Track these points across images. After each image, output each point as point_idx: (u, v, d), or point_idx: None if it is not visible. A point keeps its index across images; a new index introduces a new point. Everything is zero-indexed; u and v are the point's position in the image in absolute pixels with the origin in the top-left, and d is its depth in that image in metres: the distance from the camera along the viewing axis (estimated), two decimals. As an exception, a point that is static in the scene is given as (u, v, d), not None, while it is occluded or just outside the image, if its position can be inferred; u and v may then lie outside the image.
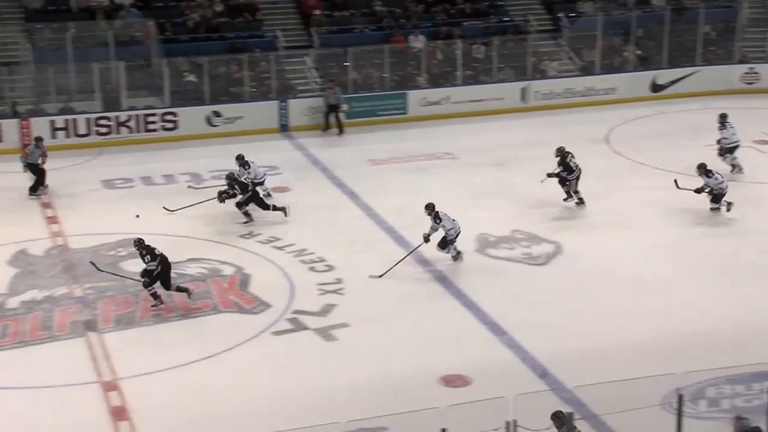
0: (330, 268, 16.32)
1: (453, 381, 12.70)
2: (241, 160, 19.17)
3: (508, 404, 9.62)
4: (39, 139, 21.24)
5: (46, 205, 19.49)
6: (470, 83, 27.24)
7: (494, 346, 13.73)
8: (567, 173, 18.68)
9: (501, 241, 17.38)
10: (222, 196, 18.50)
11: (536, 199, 19.08)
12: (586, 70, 28.50)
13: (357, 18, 28.83)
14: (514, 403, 9.61)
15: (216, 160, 22.38)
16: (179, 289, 15.12)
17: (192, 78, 25.64)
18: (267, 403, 12.24)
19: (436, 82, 27.05)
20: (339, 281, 15.83)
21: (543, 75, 28.01)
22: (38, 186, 20.25)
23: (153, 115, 24.50)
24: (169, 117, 24.52)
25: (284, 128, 25.18)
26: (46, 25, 26.12)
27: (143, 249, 14.81)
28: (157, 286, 14.86)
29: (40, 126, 23.37)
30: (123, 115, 24.26)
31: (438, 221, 16.08)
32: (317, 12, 28.38)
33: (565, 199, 18.87)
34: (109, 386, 12.64)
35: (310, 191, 20.32)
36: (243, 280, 15.91)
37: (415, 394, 12.18)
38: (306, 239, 17.45)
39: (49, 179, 20.77)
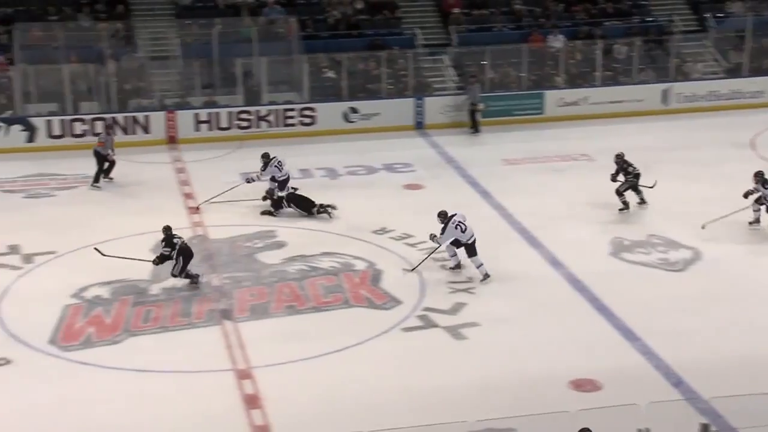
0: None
1: (583, 385, 12.52)
2: (266, 158, 19.04)
3: (641, 412, 9.43)
4: (110, 127, 21.97)
5: (188, 196, 20.10)
6: (609, 84, 26.76)
7: (627, 352, 13.47)
8: (629, 175, 18.51)
9: (636, 246, 17.03)
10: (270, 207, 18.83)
11: (674, 204, 18.62)
12: (733, 73, 27.62)
13: (496, 17, 28.70)
14: (647, 411, 9.41)
15: (351, 156, 22.68)
16: (188, 276, 15.52)
17: (331, 74, 26.03)
18: (395, 399, 12.32)
19: (574, 82, 26.70)
20: (470, 280, 15.81)
21: (686, 77, 27.29)
22: (100, 176, 20.55)
23: (292, 110, 24.98)
24: (307, 112, 24.94)
25: (420, 126, 25.29)
26: (194, 21, 26.98)
27: (165, 236, 15.46)
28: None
29: (184, 119, 24.17)
30: (263, 110, 24.81)
31: (442, 232, 15.82)
32: (456, 10, 28.37)
33: (621, 210, 18.50)
34: (243, 374, 12.95)
35: (443, 189, 20.34)
36: (375, 276, 16.05)
37: (545, 397, 12.07)
38: (438, 237, 17.51)
39: (192, 170, 21.47)
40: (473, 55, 26.66)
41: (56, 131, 23.53)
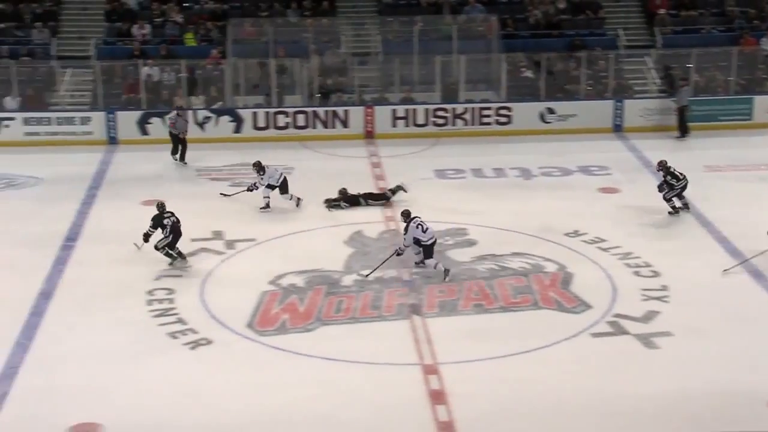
0: (655, 274, 15.89)
1: (781, 406, 11.97)
2: (257, 166, 19.08)
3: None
4: (181, 108, 22.62)
5: (382, 190, 20.45)
6: (826, 91, 25.42)
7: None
8: (675, 181, 18.27)
9: None
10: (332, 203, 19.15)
11: None
12: None
13: (705, 18, 27.77)
14: None
15: (546, 157, 22.47)
16: (168, 255, 16.11)
17: (529, 74, 25.88)
18: (580, 404, 12.16)
19: (787, 87, 25.50)
20: (664, 288, 15.38)
21: None
22: (177, 152, 22.18)
23: (488, 108, 24.99)
24: (503, 111, 24.90)
25: (618, 128, 24.78)
26: (395, 18, 27.44)
27: (157, 213, 16.24)
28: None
29: (382, 114, 24.63)
30: (460, 108, 24.95)
31: (404, 233, 15.87)
32: (662, 11, 27.62)
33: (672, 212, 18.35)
34: (430, 370, 13.09)
35: (639, 194, 19.85)
36: (565, 279, 15.87)
37: (738, 416, 11.61)
38: (632, 243, 17.11)
39: (387, 165, 21.86)
40: (678, 57, 25.87)
41: (261, 123, 24.48)
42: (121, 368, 13.04)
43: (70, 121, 23.87)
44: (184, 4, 27.95)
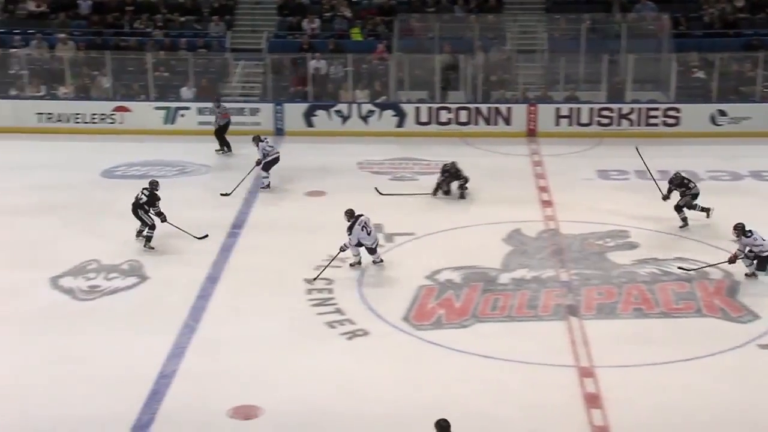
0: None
1: None
2: (256, 140, 20.26)
3: None
4: (218, 100, 22.96)
5: (543, 189, 20.27)
6: None
7: None
8: (686, 189, 17.83)
9: None
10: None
11: None
12: None
13: None
14: None
15: (716, 161, 21.76)
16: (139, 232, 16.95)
17: (700, 74, 25.07)
18: (739, 417, 11.76)
19: None
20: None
21: None
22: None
23: (656, 109, 24.38)
24: (671, 113, 24.23)
25: (794, 132, 23.77)
26: (563, 15, 27.08)
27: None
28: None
29: (545, 112, 24.38)
30: (626, 108, 24.42)
31: (349, 233, 15.70)
32: None
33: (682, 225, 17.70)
34: (585, 372, 12.91)
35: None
36: (731, 287, 15.34)
37: None
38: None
39: (548, 164, 21.65)
40: None
41: (423, 118, 24.63)
42: (280, 354, 13.40)
43: (240, 111, 24.65)
44: (353, -1, 28.45)
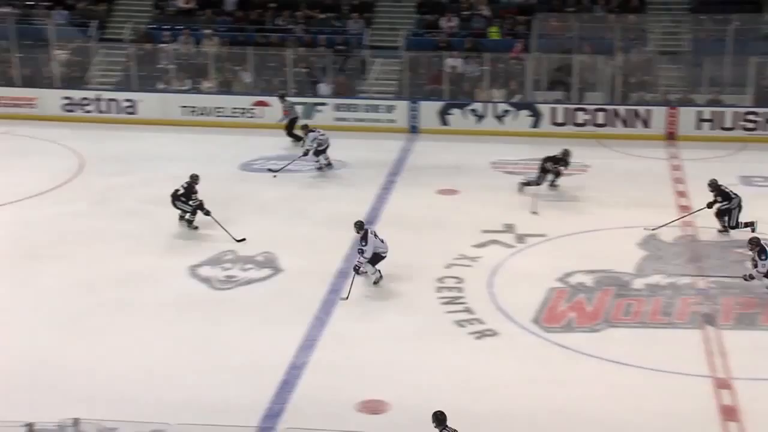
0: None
1: None
2: (305, 129, 21.18)
3: None
4: (282, 96, 23.53)
5: (681, 194, 19.76)
6: None
7: None
8: (727, 202, 17.26)
9: None
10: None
11: None
12: None
13: None
14: None
15: None
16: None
17: None
18: None
19: None
20: None
21: None
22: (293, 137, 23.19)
23: (804, 114, 23.46)
24: (826, 119, 23.28)
25: None
26: (709, 16, 26.28)
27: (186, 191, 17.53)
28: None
29: (686, 116, 23.74)
30: (774, 112, 23.59)
31: (363, 242, 15.14)
32: None
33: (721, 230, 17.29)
34: (721, 384, 12.52)
35: None
36: None
37: None
38: None
39: (688, 169, 21.12)
40: None
41: (559, 119, 24.33)
42: (408, 351, 13.46)
43: (376, 108, 24.87)
44: (493, -2, 28.29)
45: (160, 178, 20.50)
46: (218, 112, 25.06)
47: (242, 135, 24.21)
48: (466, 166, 22.01)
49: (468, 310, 14.64)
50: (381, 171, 21.53)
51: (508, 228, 17.89)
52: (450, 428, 10.26)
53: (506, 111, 24.54)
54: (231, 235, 17.22)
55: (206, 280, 15.76)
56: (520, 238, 17.46)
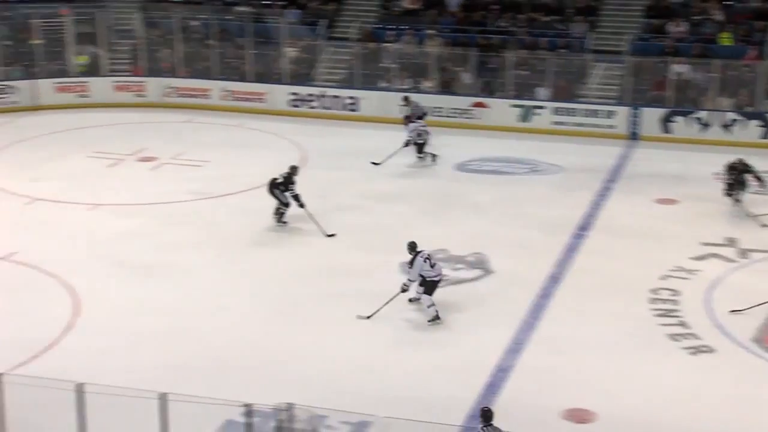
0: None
1: None
2: (406, 119, 21.94)
3: None
4: (406, 98, 23.55)
5: None
6: None
7: None
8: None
9: None
10: None
11: None
12: None
13: None
14: None
15: None
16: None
17: None
18: None
19: None
20: None
21: None
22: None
23: None
24: None
25: None
26: None
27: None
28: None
29: None
30: None
31: (409, 266, 14.22)
32: None
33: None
34: None
35: None
36: None
37: None
38: None
39: None
40: None
41: (795, 130, 23.16)
42: (618, 361, 13.18)
43: (595, 113, 24.45)
44: (726, 2, 27.10)
45: (378, 175, 20.95)
46: (437, 111, 25.33)
47: (460, 135, 24.38)
48: (687, 175, 21.28)
49: (683, 324, 14.16)
50: (597, 177, 21.15)
51: (730, 242, 17.16)
52: (495, 427, 9.99)
53: (734, 120, 23.54)
54: (322, 230, 17.53)
55: (417, 278, 15.98)
56: (744, 252, 16.71)
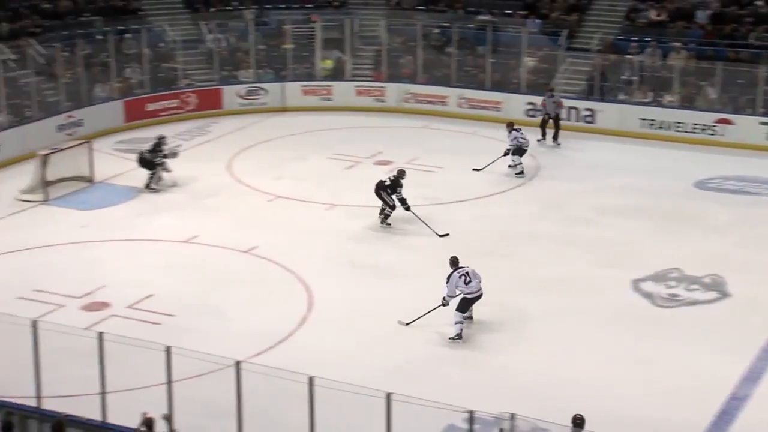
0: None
1: None
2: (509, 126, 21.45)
3: None
4: (551, 90, 24.45)
5: None
6: None
7: None
8: None
9: None
10: None
11: None
12: None
13: None
14: None
15: None
16: None
17: None
18: None
19: None
20: None
21: None
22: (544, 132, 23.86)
23: None
24: None
25: None
26: None
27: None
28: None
29: None
30: None
31: (446, 282, 14.10)
32: None
33: None
34: None
35: None
36: None
37: None
38: None
39: None
40: None
41: None
42: None
43: None
44: None
45: (613, 189, 20.54)
46: (678, 126, 24.48)
47: (701, 152, 23.47)
48: None
49: None
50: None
51: None
52: None
53: None
54: (433, 230, 17.68)
55: (648, 296, 15.57)
56: None
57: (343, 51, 28.12)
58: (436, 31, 28.34)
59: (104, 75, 25.51)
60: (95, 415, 11.08)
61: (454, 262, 14.42)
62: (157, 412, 10.34)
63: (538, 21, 28.38)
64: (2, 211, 19.36)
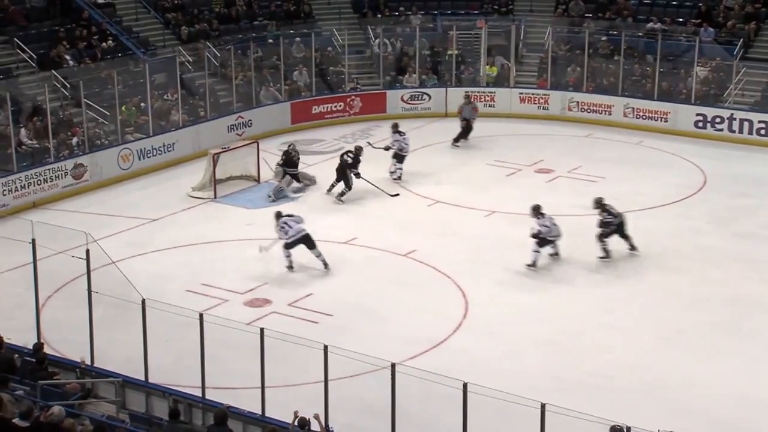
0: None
1: None
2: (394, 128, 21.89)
3: None
4: (468, 98, 24.87)
5: None
6: None
7: None
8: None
9: None
10: None
11: None
12: None
13: None
14: None
15: None
16: None
17: None
18: None
19: None
20: None
21: None
22: (459, 138, 24.40)
23: None
24: None
25: None
26: None
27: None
28: None
29: None
30: None
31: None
32: None
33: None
34: None
35: None
36: None
37: None
38: None
39: None
40: None
41: None
42: None
43: None
44: None
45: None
46: None
47: None
48: None
49: None
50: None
51: None
52: None
53: None
54: (385, 192, 19.49)
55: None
56: None
57: (508, 58, 28.01)
58: (604, 38, 27.86)
59: (274, 77, 26.25)
60: (255, 408, 11.41)
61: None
62: (310, 411, 10.56)
63: (712, 30, 27.50)
64: (175, 207, 20.20)
